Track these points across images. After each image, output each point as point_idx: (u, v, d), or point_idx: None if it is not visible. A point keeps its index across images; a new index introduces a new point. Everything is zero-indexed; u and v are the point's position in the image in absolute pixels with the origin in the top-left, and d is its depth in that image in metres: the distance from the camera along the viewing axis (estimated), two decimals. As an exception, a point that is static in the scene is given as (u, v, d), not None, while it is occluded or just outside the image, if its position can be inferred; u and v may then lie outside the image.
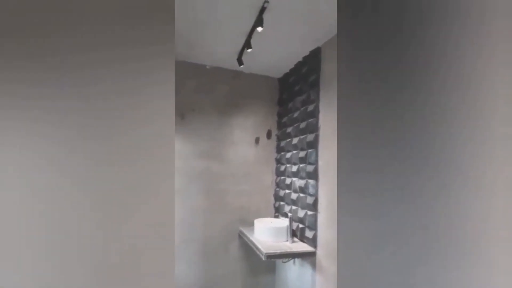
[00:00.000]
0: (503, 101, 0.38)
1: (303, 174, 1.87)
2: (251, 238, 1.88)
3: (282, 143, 2.22)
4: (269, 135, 2.36)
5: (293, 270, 2.00)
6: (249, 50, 1.66)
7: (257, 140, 2.32)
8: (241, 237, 2.15)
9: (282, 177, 2.18)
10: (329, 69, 1.68)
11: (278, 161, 2.29)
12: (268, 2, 1.29)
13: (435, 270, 0.46)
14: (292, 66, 2.11)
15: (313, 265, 1.71)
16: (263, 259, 1.60)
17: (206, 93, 2.19)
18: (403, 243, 0.52)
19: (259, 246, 1.69)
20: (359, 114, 0.63)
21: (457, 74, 0.44)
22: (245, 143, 2.29)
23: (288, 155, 2.09)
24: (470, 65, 0.42)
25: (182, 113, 2.11)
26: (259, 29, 1.40)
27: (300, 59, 1.98)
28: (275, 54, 1.92)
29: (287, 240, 1.81)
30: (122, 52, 0.55)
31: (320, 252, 1.66)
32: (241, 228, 2.14)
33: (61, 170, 0.51)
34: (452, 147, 0.44)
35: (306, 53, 1.89)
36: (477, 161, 0.41)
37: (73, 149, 0.52)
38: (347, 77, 0.68)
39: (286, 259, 1.91)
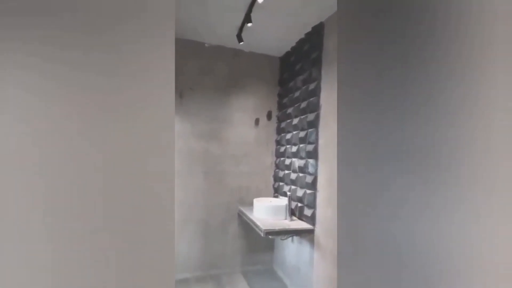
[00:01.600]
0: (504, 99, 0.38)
1: (302, 154, 1.86)
2: (250, 216, 1.90)
3: (283, 124, 2.20)
4: (269, 116, 2.34)
5: (291, 248, 2.03)
6: (249, 24, 1.60)
7: (257, 121, 2.30)
8: (241, 217, 2.17)
9: (282, 158, 2.18)
10: (332, 45, 1.63)
11: (278, 143, 2.28)
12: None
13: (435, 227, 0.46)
14: (293, 44, 2.06)
15: (311, 242, 1.74)
16: (262, 235, 1.62)
17: (205, 72, 2.14)
18: (403, 200, 0.52)
19: (258, 224, 1.71)
20: (360, 93, 0.62)
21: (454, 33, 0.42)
22: (245, 124, 2.27)
23: (288, 136, 2.07)
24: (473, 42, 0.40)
25: (181, 91, 2.08)
26: (260, 0, 1.35)
27: (302, 36, 1.92)
28: (276, 30, 1.86)
29: (285, 218, 1.83)
30: (121, 24, 0.54)
31: (318, 230, 1.68)
32: (241, 208, 2.16)
33: (61, 149, 0.50)
34: (452, 126, 0.43)
35: (309, 29, 1.83)
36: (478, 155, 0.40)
37: (71, 132, 0.51)
38: (347, 54, 0.67)
39: (285, 237, 1.94)
